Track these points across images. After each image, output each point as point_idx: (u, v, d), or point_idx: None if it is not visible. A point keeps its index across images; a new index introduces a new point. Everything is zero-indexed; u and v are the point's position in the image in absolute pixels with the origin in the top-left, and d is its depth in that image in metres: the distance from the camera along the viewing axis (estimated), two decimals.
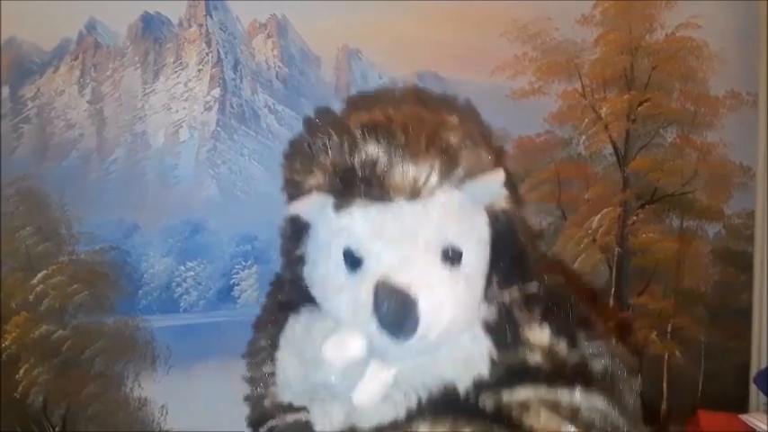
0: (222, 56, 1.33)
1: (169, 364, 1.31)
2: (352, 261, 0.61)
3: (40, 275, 1.28)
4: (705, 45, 1.42)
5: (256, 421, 0.70)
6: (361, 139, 0.61)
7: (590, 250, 1.39)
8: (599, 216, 1.40)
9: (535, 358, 0.61)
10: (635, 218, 1.42)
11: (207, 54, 1.33)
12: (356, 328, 0.60)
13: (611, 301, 1.40)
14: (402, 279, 0.57)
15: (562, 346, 0.62)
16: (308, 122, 0.68)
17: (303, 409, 0.65)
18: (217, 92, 1.33)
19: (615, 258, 1.41)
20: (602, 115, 1.41)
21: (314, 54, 1.36)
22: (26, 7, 1.23)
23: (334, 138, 0.62)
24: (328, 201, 0.62)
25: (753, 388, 1.38)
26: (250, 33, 1.35)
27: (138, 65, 1.31)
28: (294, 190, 0.64)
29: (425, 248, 0.60)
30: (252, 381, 0.72)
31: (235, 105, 1.33)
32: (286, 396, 0.66)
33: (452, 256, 0.61)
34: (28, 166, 1.28)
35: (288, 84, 1.35)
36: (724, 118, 1.43)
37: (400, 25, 1.34)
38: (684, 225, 1.44)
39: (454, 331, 0.60)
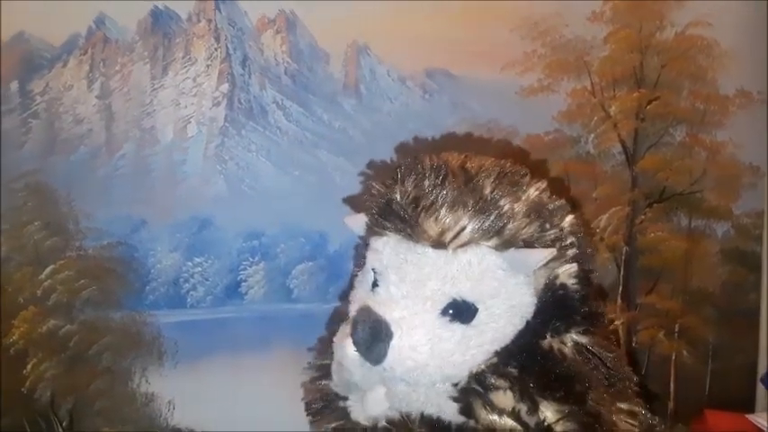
0: (231, 51, 1.32)
1: (176, 359, 1.31)
2: (373, 281, 0.67)
3: (47, 270, 1.28)
4: (715, 43, 1.41)
5: (308, 404, 0.77)
6: (406, 176, 0.66)
7: (598, 249, 1.39)
8: (607, 215, 1.40)
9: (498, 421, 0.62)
10: (643, 217, 1.41)
11: (216, 49, 1.32)
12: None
13: (619, 301, 1.40)
14: (389, 313, 0.61)
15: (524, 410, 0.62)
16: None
17: (346, 398, 0.71)
18: (225, 87, 1.32)
19: (623, 257, 1.41)
20: (612, 113, 1.41)
21: (322, 50, 1.35)
22: (35, 2, 1.22)
23: (400, 168, 0.67)
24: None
25: (760, 388, 1.38)
26: (259, 29, 1.34)
27: (147, 60, 1.30)
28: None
29: (431, 295, 0.63)
30: (313, 367, 0.77)
31: (243, 101, 1.33)
32: (336, 386, 0.71)
33: (461, 311, 0.63)
34: (36, 161, 1.28)
35: (296, 80, 1.35)
36: (734, 117, 1.43)
37: (409, 21, 1.33)
38: (693, 224, 1.44)
39: (435, 377, 0.63)
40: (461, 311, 0.63)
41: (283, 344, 1.36)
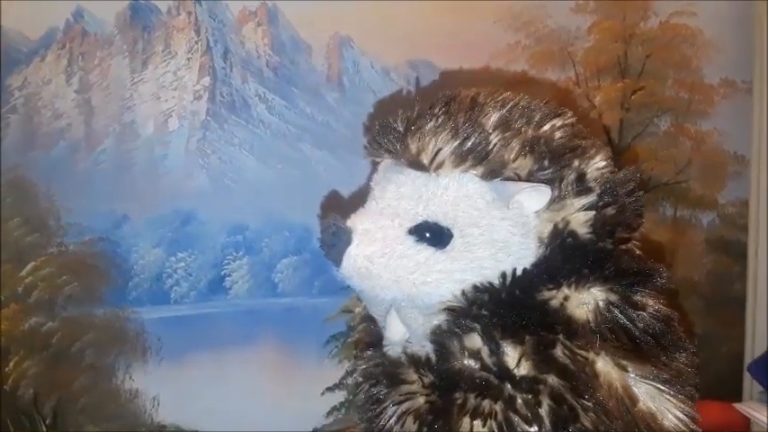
0: (212, 44, 1.31)
1: (160, 355, 1.30)
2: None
3: (28, 267, 1.26)
4: (700, 33, 1.41)
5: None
6: (417, 103, 0.67)
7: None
8: None
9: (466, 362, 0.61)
10: None
11: (196, 42, 1.31)
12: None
13: None
14: (358, 223, 0.63)
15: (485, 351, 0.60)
16: None
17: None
18: (206, 81, 1.31)
19: None
20: (596, 104, 1.41)
21: (305, 42, 1.34)
22: None
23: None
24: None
25: (747, 377, 1.38)
26: (240, 21, 1.33)
27: (127, 53, 1.29)
28: None
29: (402, 213, 0.64)
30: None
31: (225, 94, 1.32)
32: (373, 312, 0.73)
33: (433, 234, 0.63)
34: (15, 157, 1.26)
35: (278, 72, 1.34)
36: (718, 106, 1.43)
37: (393, 13, 1.33)
38: (678, 214, 1.44)
39: (395, 293, 0.63)
40: (433, 234, 0.63)
41: (268, 339, 1.35)
